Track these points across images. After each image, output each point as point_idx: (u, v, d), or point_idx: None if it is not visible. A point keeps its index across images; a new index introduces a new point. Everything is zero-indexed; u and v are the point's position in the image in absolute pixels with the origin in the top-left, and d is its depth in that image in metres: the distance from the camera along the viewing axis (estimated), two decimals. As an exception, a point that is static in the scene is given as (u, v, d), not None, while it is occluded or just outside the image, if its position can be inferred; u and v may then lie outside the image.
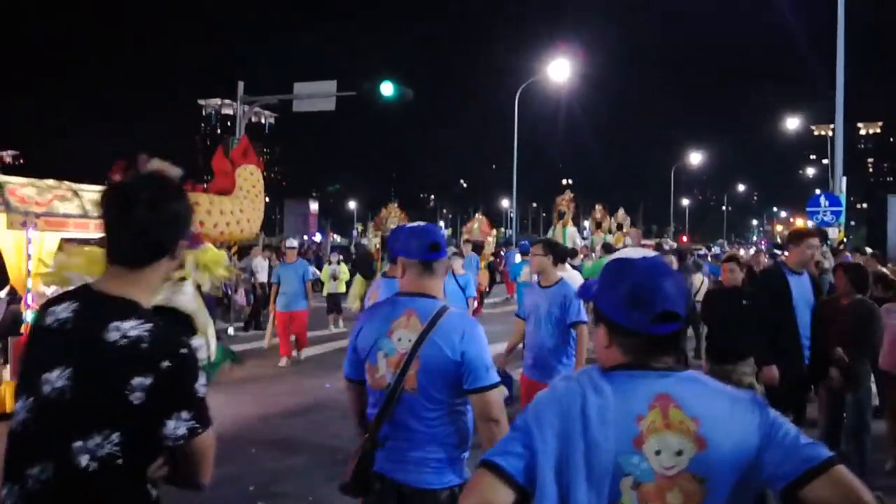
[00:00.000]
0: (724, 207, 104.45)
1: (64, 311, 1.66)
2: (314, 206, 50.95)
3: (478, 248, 16.81)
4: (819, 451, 1.40)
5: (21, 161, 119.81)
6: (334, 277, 14.21)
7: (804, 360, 5.01)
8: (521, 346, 5.51)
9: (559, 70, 26.67)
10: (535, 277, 5.47)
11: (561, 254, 5.38)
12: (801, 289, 5.08)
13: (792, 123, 37.22)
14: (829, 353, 5.01)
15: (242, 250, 14.42)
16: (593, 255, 14.83)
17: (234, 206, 7.98)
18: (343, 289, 14.24)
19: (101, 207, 1.69)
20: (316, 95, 16.06)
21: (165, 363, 1.59)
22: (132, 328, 1.60)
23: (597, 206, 21.69)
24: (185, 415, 1.62)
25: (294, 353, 10.40)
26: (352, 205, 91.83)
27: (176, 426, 1.61)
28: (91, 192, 8.01)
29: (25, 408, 1.62)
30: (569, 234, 17.82)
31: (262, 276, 14.31)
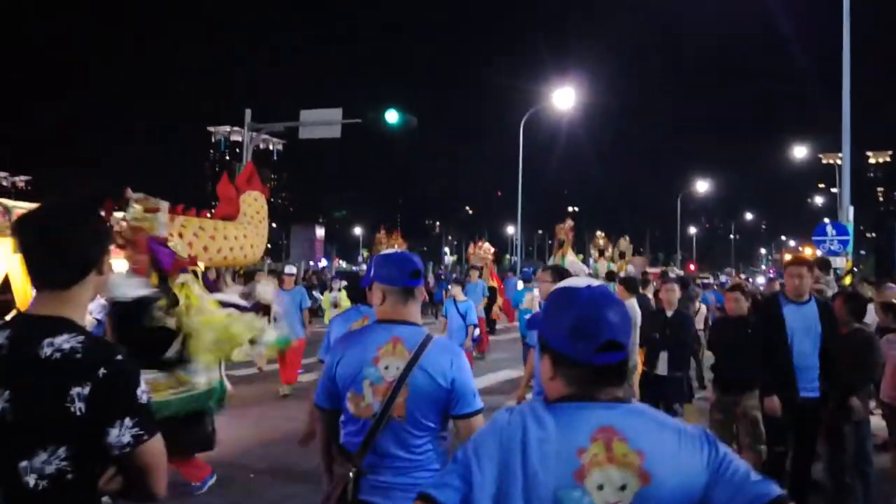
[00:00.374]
0: (731, 236, 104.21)
1: (1, 337, 1.67)
2: (320, 231, 51.27)
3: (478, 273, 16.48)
4: (769, 488, 1.37)
5: (32, 187, 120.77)
6: (335, 305, 13.93)
7: (797, 389, 4.98)
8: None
9: (564, 98, 26.82)
10: (538, 305, 5.44)
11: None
12: (798, 316, 5.06)
13: (800, 152, 37.16)
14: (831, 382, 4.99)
15: (247, 275, 14.44)
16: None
17: (239, 231, 8.01)
18: None
19: (16, 235, 1.71)
20: (322, 123, 16.27)
21: (101, 370, 1.61)
22: (65, 341, 1.62)
23: (598, 234, 21.44)
24: (128, 422, 1.62)
25: (280, 386, 10.03)
26: (357, 230, 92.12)
27: (120, 434, 1.61)
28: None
29: None
30: (568, 263, 17.67)
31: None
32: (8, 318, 8.59)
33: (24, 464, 1.56)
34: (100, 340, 1.71)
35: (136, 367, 1.70)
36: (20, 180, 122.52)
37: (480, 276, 15.92)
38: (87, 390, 1.58)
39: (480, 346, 13.88)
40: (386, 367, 2.43)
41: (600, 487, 1.37)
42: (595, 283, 1.60)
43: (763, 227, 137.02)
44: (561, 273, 5.27)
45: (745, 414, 5.48)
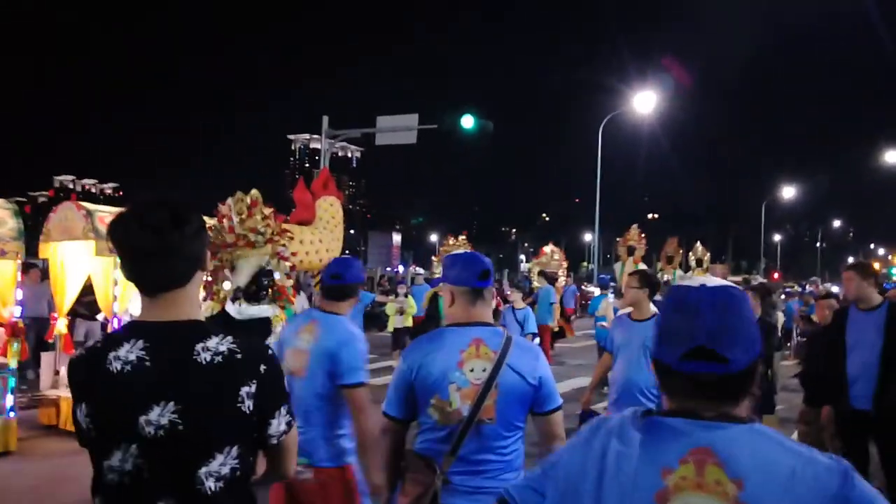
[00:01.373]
0: (818, 244, 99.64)
1: (129, 352, 1.61)
2: (397, 238, 51.72)
3: (552, 280, 15.60)
4: None
5: (120, 193, 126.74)
6: (401, 312, 13.40)
7: (848, 400, 4.85)
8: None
9: (645, 102, 26.27)
10: (625, 311, 5.28)
11: (656, 287, 5.18)
12: (862, 325, 4.85)
13: (892, 156, 35.24)
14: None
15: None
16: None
17: (314, 236, 8.16)
18: (410, 323, 13.53)
19: (119, 238, 1.66)
20: (398, 129, 16.40)
21: (262, 366, 1.66)
22: (219, 344, 1.63)
23: (668, 240, 20.53)
24: (283, 410, 1.71)
25: None
26: (434, 237, 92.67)
27: (279, 423, 1.69)
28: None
29: (130, 456, 1.57)
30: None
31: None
32: (99, 317, 9.00)
33: (203, 470, 1.58)
34: (246, 338, 1.72)
35: (278, 358, 1.79)
36: (108, 187, 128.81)
37: (554, 283, 15.54)
38: (254, 388, 1.63)
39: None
40: (471, 370, 2.38)
41: None
42: (719, 281, 1.36)
43: (851, 234, 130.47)
44: (649, 278, 5.09)
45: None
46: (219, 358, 1.62)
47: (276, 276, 5.86)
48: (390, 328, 13.58)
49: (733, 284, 1.38)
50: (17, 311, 6.96)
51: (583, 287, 25.57)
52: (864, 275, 4.88)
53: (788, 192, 52.92)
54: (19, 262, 6.92)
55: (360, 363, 3.17)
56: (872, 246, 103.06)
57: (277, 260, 5.90)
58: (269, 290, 5.75)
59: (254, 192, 5.96)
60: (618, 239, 18.31)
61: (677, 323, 1.29)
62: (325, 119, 17.31)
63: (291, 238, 6.50)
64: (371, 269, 36.74)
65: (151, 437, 1.57)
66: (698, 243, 21.54)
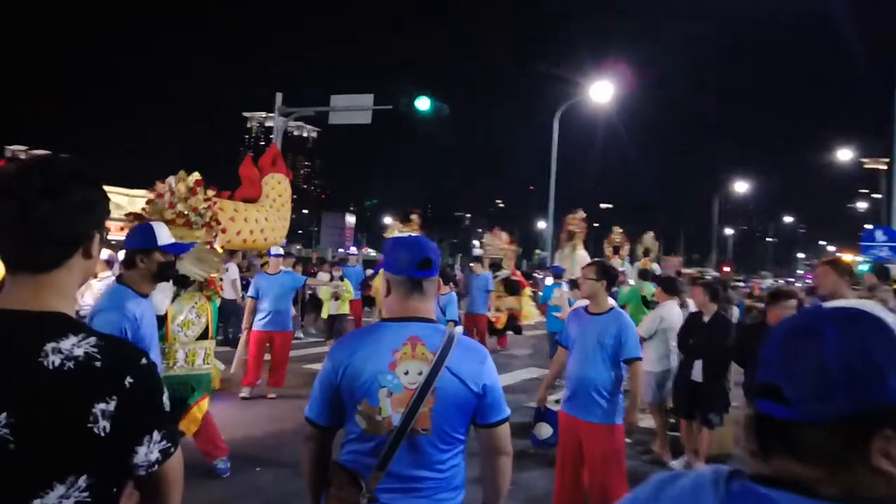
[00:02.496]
0: (768, 238, 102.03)
1: None
2: (351, 219, 51.23)
3: (495, 265, 15.22)
4: None
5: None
6: (336, 297, 12.06)
7: None
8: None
9: (601, 91, 26.20)
10: (582, 303, 5.05)
11: (614, 278, 4.88)
12: None
13: (844, 155, 35.91)
14: None
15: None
16: (630, 281, 14.13)
17: (260, 214, 7.77)
18: (346, 310, 12.43)
19: None
20: (353, 108, 16.07)
21: (128, 379, 1.30)
22: (75, 346, 1.28)
23: (615, 229, 20.05)
24: (156, 436, 1.34)
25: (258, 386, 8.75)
26: (387, 219, 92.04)
27: (148, 451, 1.33)
28: (113, 195, 7.93)
29: None
30: (579, 259, 16.26)
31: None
32: None
33: (35, 502, 1.23)
34: (116, 341, 1.40)
35: (157, 370, 1.40)
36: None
37: (499, 269, 15.17)
38: (112, 406, 1.26)
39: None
40: (406, 373, 2.08)
41: None
42: (873, 307, 1.01)
43: (802, 230, 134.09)
44: (606, 269, 4.84)
45: None
46: (70, 364, 1.26)
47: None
48: (324, 314, 12.37)
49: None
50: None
51: (534, 275, 25.39)
52: (840, 271, 4.45)
53: (741, 187, 53.87)
54: None
55: None
56: (822, 242, 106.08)
57: (209, 248, 5.60)
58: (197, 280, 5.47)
59: (195, 173, 5.68)
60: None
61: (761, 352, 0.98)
62: (279, 96, 16.97)
63: (224, 229, 6.22)
64: (322, 250, 36.18)
65: None
66: (649, 233, 20.86)
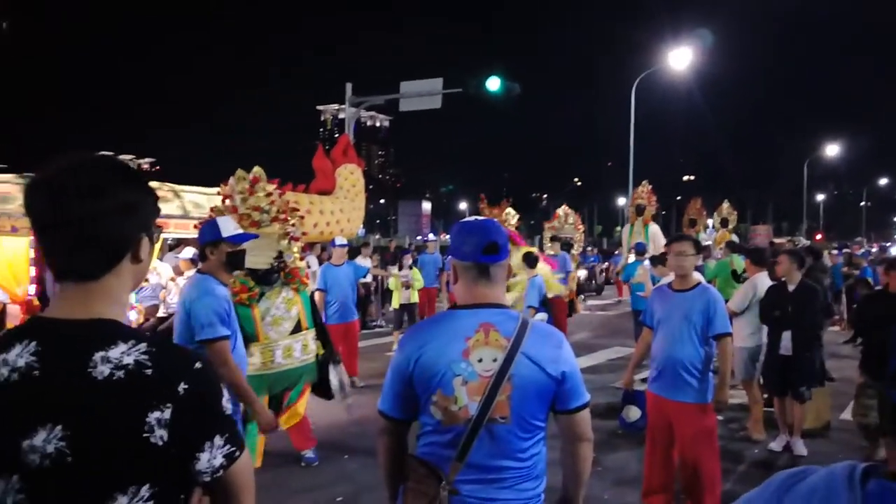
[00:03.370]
0: (862, 203, 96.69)
1: (20, 356, 1.26)
2: (427, 206, 51.50)
3: (567, 245, 14.74)
4: None
5: (157, 168, 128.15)
6: (407, 286, 11.61)
7: None
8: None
9: (681, 58, 25.25)
10: (666, 280, 4.87)
11: (700, 253, 4.72)
12: None
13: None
14: None
15: (353, 251, 14.27)
16: (718, 253, 13.59)
17: (335, 205, 7.86)
18: (416, 299, 11.95)
19: (25, 204, 1.32)
20: (423, 94, 16.02)
21: (182, 386, 1.25)
22: (124, 354, 1.24)
23: (691, 201, 19.09)
24: (218, 441, 1.30)
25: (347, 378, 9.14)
26: (463, 205, 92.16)
27: (211, 458, 1.29)
28: (192, 194, 8.12)
29: (12, 490, 1.22)
30: (652, 234, 15.82)
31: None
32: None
33: None
34: (168, 345, 1.34)
35: (216, 373, 1.37)
36: (145, 162, 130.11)
37: (570, 250, 14.82)
38: (167, 414, 1.24)
39: None
40: (479, 361, 2.00)
41: None
42: None
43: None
44: (699, 244, 4.68)
45: None
46: (120, 373, 1.23)
47: (289, 258, 5.58)
48: (395, 304, 11.81)
49: None
50: (32, 288, 6.79)
51: (615, 253, 24.81)
52: None
53: (832, 150, 51.23)
54: (32, 238, 6.73)
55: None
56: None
57: (288, 241, 5.62)
58: (282, 273, 5.51)
59: (256, 168, 5.67)
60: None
61: None
62: (349, 86, 17.11)
63: (302, 217, 6.22)
64: (401, 238, 36.52)
65: (36, 467, 1.20)
66: (725, 202, 19.87)
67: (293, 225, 5.74)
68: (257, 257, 5.37)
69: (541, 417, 2.06)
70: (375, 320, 14.86)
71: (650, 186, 16.95)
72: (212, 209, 5.75)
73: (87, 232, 1.28)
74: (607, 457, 5.94)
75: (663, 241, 16.65)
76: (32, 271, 6.81)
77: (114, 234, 1.31)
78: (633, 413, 4.50)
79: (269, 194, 5.58)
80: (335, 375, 6.01)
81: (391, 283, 11.79)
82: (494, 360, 1.99)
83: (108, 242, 1.32)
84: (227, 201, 5.54)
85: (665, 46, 26.24)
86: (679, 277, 4.54)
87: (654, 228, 16.28)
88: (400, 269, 11.81)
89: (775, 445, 6.27)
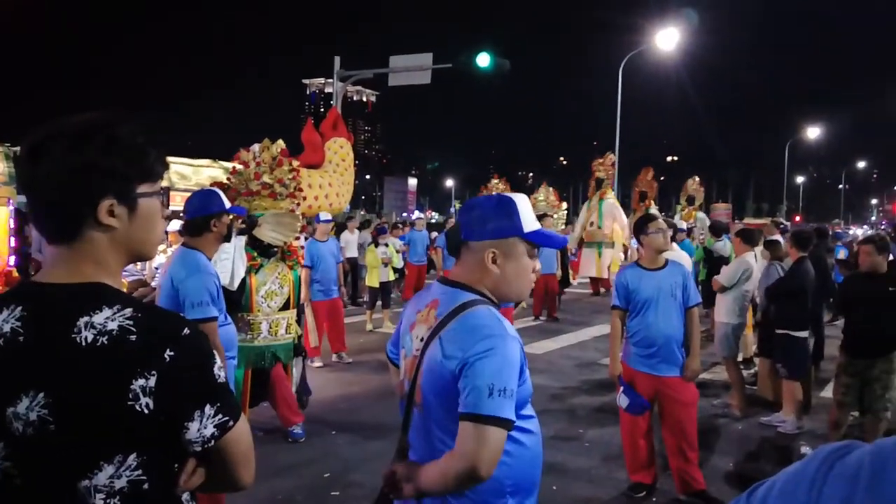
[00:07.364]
0: (840, 186, 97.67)
1: (5, 321, 1.23)
2: (413, 182, 51.33)
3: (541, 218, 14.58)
4: None
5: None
6: (385, 263, 11.16)
7: None
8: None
9: (667, 39, 25.23)
10: (634, 259, 4.87)
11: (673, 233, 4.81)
12: None
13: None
14: None
15: (339, 227, 14.16)
16: (702, 235, 13.52)
17: (324, 179, 7.76)
18: (392, 277, 11.77)
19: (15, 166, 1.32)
20: (411, 68, 15.82)
21: (168, 352, 1.21)
22: (108, 319, 1.20)
23: (642, 171, 17.54)
24: (209, 410, 1.25)
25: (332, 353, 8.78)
26: (449, 182, 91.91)
27: (201, 427, 1.24)
28: (178, 165, 8.02)
29: None
30: (607, 207, 15.34)
31: (351, 252, 13.74)
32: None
33: (85, 483, 1.19)
34: (155, 311, 1.29)
35: (206, 339, 1.31)
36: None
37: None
38: (152, 381, 1.19)
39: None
40: (417, 337, 1.88)
41: None
42: None
43: (874, 176, 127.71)
44: (671, 225, 4.70)
45: (878, 378, 5.13)
46: (104, 339, 1.18)
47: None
48: (374, 282, 11.16)
49: None
50: (12, 260, 6.67)
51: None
52: None
53: (812, 133, 51.67)
54: (11, 207, 6.60)
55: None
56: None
57: (291, 213, 5.58)
58: (280, 249, 5.48)
59: (280, 142, 5.62)
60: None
61: None
62: (337, 59, 16.85)
63: (304, 197, 6.20)
64: (387, 215, 36.39)
65: (20, 434, 1.18)
66: (694, 178, 18.99)
67: (298, 204, 5.73)
68: (278, 233, 5.34)
69: (450, 417, 1.70)
70: (363, 296, 14.81)
71: (613, 158, 16.41)
72: (224, 182, 5.59)
73: (42, 197, 1.26)
74: (595, 432, 5.99)
75: (624, 217, 15.98)
76: (12, 242, 6.69)
77: (59, 196, 1.25)
78: (623, 400, 4.52)
79: (293, 169, 5.56)
80: (297, 370, 6.02)
81: (369, 260, 11.36)
82: (421, 340, 1.85)
83: (60, 206, 1.26)
84: (251, 168, 5.47)
85: (653, 27, 26.17)
86: (655, 255, 4.54)
87: (610, 202, 15.72)
88: (377, 246, 11.38)
89: (766, 420, 6.35)
